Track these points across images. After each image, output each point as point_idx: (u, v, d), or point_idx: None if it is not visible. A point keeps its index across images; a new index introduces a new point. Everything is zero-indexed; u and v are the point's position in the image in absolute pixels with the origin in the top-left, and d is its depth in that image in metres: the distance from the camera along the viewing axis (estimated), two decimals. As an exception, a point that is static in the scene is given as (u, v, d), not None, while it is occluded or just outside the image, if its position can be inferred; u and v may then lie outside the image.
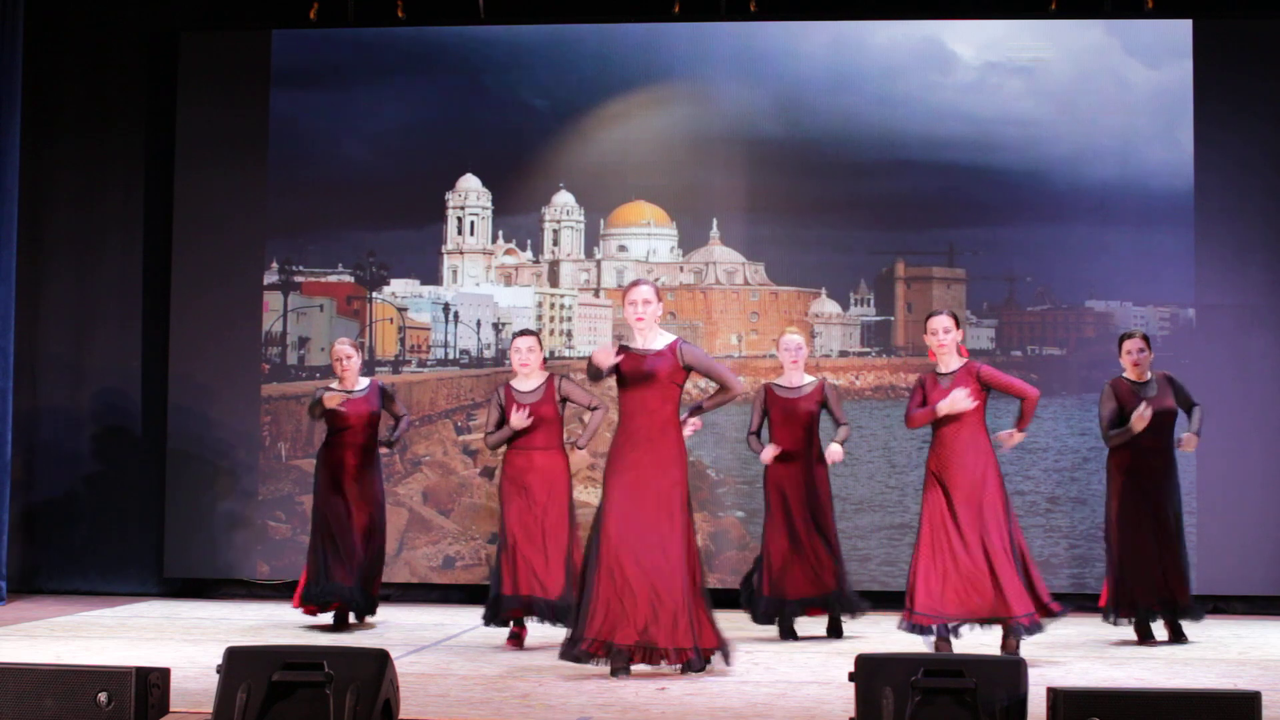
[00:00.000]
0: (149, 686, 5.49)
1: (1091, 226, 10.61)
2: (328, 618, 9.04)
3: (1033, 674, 5.46)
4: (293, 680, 5.28)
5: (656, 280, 11.06)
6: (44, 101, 11.08)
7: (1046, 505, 10.48)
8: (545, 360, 8.65)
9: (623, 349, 7.26)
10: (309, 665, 5.30)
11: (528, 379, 8.46)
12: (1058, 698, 5.21)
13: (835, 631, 8.81)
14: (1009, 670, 5.33)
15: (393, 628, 9.02)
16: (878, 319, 10.98)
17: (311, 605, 8.93)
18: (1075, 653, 8.15)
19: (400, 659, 7.07)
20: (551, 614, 8.24)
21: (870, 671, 5.32)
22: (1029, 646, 8.09)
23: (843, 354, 10.97)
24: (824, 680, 7.02)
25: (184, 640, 8.45)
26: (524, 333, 8.64)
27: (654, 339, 7.26)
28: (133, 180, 11.18)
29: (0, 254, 10.10)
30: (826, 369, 10.74)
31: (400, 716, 5.54)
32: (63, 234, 11.18)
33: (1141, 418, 8.38)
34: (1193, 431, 8.62)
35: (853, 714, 5.35)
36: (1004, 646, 7.60)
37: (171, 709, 5.68)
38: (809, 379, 8.84)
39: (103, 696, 5.39)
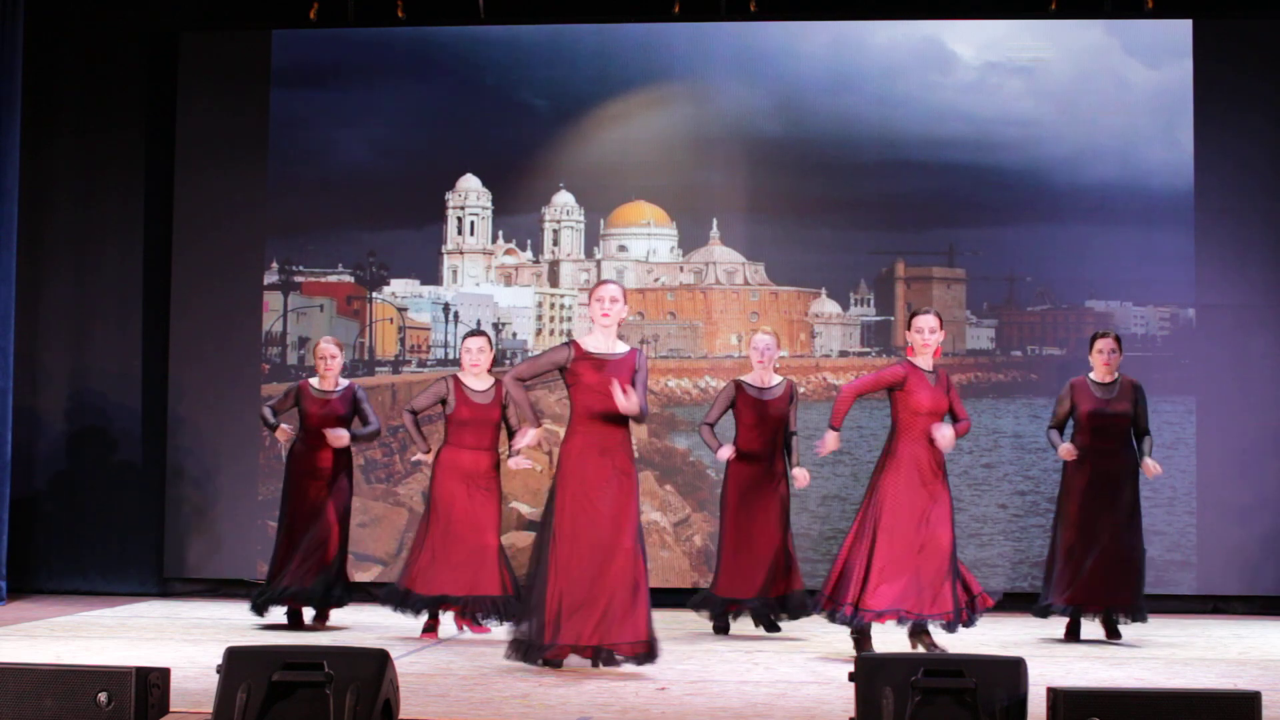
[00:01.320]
0: (149, 686, 5.49)
1: (1091, 226, 10.60)
2: (277, 616, 9.06)
3: (1033, 674, 5.45)
4: (293, 680, 5.28)
5: (656, 280, 11.06)
6: (44, 101, 11.07)
7: (1046, 505, 10.46)
8: (494, 362, 8.78)
9: (584, 352, 7.22)
10: (309, 665, 5.30)
11: (479, 378, 8.63)
12: (1058, 698, 5.21)
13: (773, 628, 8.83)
14: (1009, 670, 5.32)
15: (393, 628, 9.01)
16: (878, 319, 10.98)
17: (257, 610, 8.96)
18: (1075, 653, 8.15)
19: (400, 659, 7.06)
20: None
21: (870, 671, 5.32)
22: (1028, 646, 8.09)
23: (843, 354, 10.96)
24: (824, 680, 7.02)
25: (184, 640, 8.45)
26: (476, 333, 8.81)
27: (615, 343, 7.29)
28: (133, 180, 11.17)
29: (0, 254, 10.10)
30: (826, 369, 10.74)
31: (400, 716, 5.54)
32: (63, 234, 11.17)
33: (1070, 453, 8.53)
34: (1147, 457, 8.57)
35: (853, 714, 5.34)
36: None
37: (171, 709, 5.68)
38: (778, 379, 8.89)
39: (103, 696, 5.39)
